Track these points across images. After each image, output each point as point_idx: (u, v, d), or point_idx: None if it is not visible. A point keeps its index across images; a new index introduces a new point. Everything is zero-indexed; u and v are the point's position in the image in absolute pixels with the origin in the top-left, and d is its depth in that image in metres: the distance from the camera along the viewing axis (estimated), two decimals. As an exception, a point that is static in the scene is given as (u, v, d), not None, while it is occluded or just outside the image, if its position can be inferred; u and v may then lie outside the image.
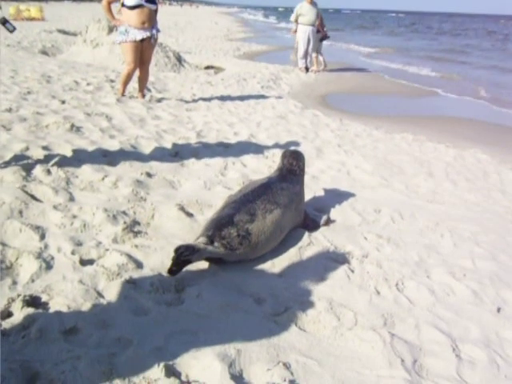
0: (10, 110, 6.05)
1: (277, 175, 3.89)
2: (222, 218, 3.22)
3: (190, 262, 2.91)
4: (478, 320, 2.93)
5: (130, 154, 5.04)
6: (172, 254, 2.87)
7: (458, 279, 3.36)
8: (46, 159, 4.45)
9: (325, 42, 15.80)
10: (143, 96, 7.99)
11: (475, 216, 4.62)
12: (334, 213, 4.24)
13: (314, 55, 15.27)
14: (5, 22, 4.33)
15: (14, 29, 4.47)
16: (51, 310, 2.50)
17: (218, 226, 3.13)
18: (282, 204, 3.53)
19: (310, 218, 3.98)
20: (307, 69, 14.67)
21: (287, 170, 3.93)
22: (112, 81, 9.08)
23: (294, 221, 3.74)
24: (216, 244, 3.04)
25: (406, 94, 12.74)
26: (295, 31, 14.68)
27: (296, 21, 14.46)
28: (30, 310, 2.45)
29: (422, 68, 17.99)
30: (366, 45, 26.82)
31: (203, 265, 3.10)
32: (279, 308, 2.80)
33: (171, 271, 2.86)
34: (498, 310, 3.06)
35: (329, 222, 4.03)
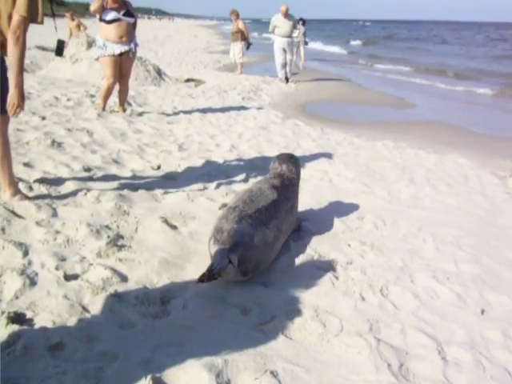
0: (-11, 128, 5.99)
1: (278, 186, 3.77)
2: (245, 243, 3.10)
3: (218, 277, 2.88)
4: (462, 322, 2.95)
5: (112, 169, 5.03)
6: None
7: (442, 283, 3.39)
8: (28, 175, 4.43)
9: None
10: (124, 110, 7.97)
11: (457, 220, 4.67)
12: (318, 221, 4.27)
13: (239, 61, 16.17)
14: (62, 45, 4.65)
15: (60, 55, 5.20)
16: (36, 326, 2.48)
17: (244, 250, 3.04)
18: (288, 231, 3.70)
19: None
20: (287, 79, 14.77)
21: (287, 177, 3.91)
22: (92, 96, 9.05)
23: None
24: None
25: (383, 102, 12.86)
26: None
27: (273, 32, 14.64)
28: (15, 327, 2.43)
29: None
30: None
31: (188, 276, 3.11)
32: (265, 317, 2.80)
33: (202, 281, 2.82)
34: (482, 311, 3.09)
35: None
